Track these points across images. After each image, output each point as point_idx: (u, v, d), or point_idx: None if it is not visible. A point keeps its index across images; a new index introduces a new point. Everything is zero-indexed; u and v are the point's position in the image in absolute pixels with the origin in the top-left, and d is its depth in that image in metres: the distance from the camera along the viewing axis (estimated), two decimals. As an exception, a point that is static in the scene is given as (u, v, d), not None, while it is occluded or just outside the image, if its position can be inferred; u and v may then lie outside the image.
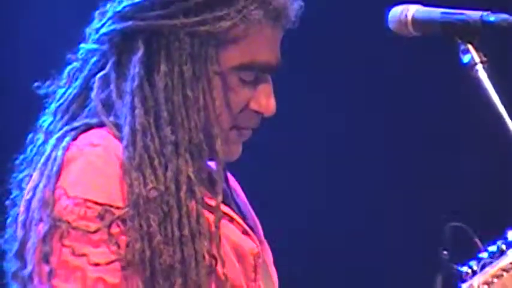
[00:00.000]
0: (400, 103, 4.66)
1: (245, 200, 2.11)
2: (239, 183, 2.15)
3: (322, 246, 4.93)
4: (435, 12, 1.86)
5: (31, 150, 1.85)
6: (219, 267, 1.78)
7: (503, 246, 1.94)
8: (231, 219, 1.84)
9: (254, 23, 1.80)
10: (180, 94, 1.78)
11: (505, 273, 1.95)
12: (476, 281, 1.94)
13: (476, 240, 2.01)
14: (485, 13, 1.81)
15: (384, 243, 4.84)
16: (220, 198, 1.81)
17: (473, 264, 1.94)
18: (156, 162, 1.75)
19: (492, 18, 1.79)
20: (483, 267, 1.96)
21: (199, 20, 1.77)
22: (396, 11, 1.87)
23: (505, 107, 1.81)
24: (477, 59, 1.77)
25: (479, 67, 1.76)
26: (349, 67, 4.55)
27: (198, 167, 1.79)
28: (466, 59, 1.78)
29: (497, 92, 1.82)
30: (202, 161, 1.81)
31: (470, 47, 1.78)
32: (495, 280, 1.95)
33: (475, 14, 1.81)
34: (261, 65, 1.81)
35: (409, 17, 1.86)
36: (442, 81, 4.17)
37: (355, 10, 4.66)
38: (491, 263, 1.94)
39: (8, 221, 1.84)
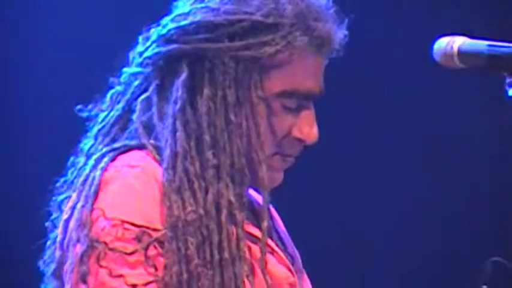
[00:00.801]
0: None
1: (284, 228, 2.07)
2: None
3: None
4: (481, 44, 1.81)
5: (72, 173, 1.86)
6: None
7: None
8: (272, 251, 1.83)
9: (298, 49, 1.79)
10: (222, 118, 1.77)
11: None
12: None
13: None
14: None
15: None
16: (265, 233, 1.80)
17: None
18: (195, 185, 1.74)
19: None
20: None
21: (244, 44, 1.76)
22: (442, 43, 1.83)
23: None
24: None
25: None
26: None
27: (240, 192, 1.77)
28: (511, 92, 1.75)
29: None
30: (243, 186, 1.80)
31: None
32: None
33: None
34: (304, 92, 1.81)
35: (455, 49, 1.81)
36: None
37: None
38: None
39: (48, 243, 1.85)
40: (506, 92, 1.74)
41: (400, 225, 4.72)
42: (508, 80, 1.73)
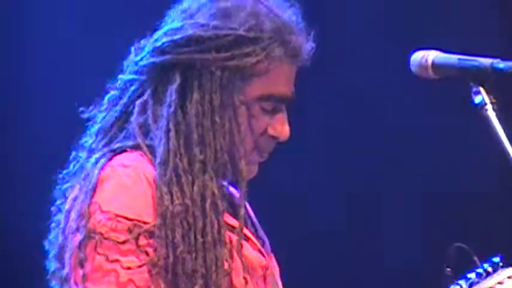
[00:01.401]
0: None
1: (252, 214, 2.28)
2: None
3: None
4: (452, 58, 2.04)
5: (74, 166, 2.06)
6: (234, 278, 1.98)
7: (490, 269, 2.20)
8: (247, 238, 2.05)
9: (275, 59, 2.00)
10: (209, 119, 1.97)
11: None
12: None
13: (476, 259, 2.24)
14: (495, 60, 1.97)
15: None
16: (242, 221, 2.02)
17: (463, 282, 2.17)
18: (183, 179, 1.94)
19: (501, 65, 1.96)
20: (471, 285, 2.19)
21: (229, 55, 1.97)
22: (417, 56, 2.06)
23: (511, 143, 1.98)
24: (487, 100, 1.92)
25: (489, 107, 1.91)
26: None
27: (222, 184, 2.00)
28: (477, 99, 1.94)
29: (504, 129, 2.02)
30: (225, 179, 2.02)
31: (481, 89, 1.94)
32: None
33: (486, 61, 1.98)
34: (278, 96, 2.02)
35: (429, 62, 2.04)
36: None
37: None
38: (478, 282, 2.18)
39: (52, 225, 2.05)
40: (472, 100, 1.95)
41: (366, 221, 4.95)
42: (474, 89, 1.94)
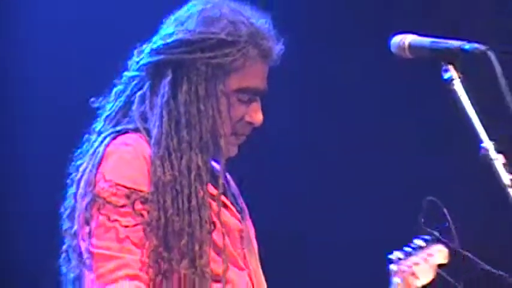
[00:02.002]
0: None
1: (236, 188, 2.64)
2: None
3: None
4: (426, 40, 2.32)
5: (86, 146, 2.41)
6: (216, 236, 2.33)
7: (423, 244, 2.78)
8: (225, 206, 2.41)
9: (250, 59, 2.36)
10: (195, 107, 2.32)
11: (422, 262, 2.74)
12: (403, 265, 2.69)
13: (445, 211, 2.65)
14: (463, 42, 2.24)
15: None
16: (220, 189, 2.38)
17: (400, 254, 2.71)
18: (173, 156, 2.29)
19: (467, 46, 2.21)
20: (407, 255, 2.73)
21: (212, 55, 2.32)
22: (396, 39, 2.35)
23: (476, 113, 2.20)
24: (455, 76, 2.18)
25: (456, 82, 2.18)
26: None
27: (205, 159, 2.33)
28: (446, 76, 2.20)
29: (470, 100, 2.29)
30: (208, 155, 2.35)
31: (450, 67, 2.21)
32: (414, 266, 2.72)
33: (456, 43, 2.24)
34: (253, 89, 2.38)
35: (406, 44, 2.33)
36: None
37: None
38: (413, 254, 2.72)
39: (67, 194, 2.39)
40: (442, 76, 2.21)
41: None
42: (444, 67, 2.21)
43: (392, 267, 2.79)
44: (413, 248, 2.82)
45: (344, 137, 5.31)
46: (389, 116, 4.73)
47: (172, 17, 2.47)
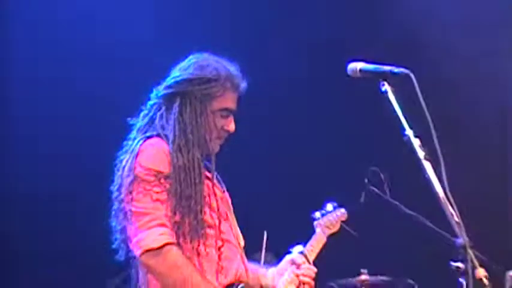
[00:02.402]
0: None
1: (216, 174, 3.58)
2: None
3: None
4: (370, 66, 3.10)
5: (125, 148, 3.43)
6: (212, 201, 3.36)
7: (331, 207, 4.06)
8: (214, 185, 3.45)
9: (226, 90, 3.44)
10: (194, 120, 3.37)
11: (332, 219, 3.99)
12: (321, 220, 3.95)
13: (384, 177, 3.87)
14: (393, 67, 3.00)
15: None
16: (213, 173, 3.45)
17: (318, 214, 3.98)
18: (183, 151, 3.31)
19: (396, 70, 2.97)
20: (323, 215, 4.00)
21: (203, 88, 3.39)
22: (352, 65, 3.15)
23: (405, 117, 2.91)
24: (388, 89, 2.94)
25: (390, 93, 2.93)
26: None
27: (201, 154, 3.36)
28: (383, 89, 2.97)
29: (400, 106, 2.94)
30: (203, 151, 3.39)
31: (385, 83, 2.97)
32: (327, 222, 3.97)
33: (388, 68, 3.00)
34: (228, 109, 3.46)
35: (358, 68, 3.13)
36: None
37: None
38: (327, 213, 4.01)
39: (115, 177, 3.40)
40: (380, 89, 2.96)
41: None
42: (382, 83, 2.95)
43: (315, 222, 3.96)
44: (326, 211, 4.06)
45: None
46: (343, 112, 5.70)
47: (177, 66, 3.50)
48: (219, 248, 3.33)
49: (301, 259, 3.60)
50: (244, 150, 4.98)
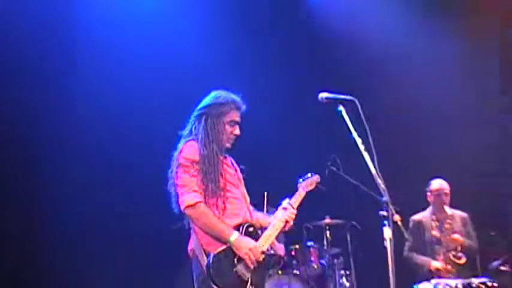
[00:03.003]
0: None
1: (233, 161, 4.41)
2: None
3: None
4: (331, 95, 4.12)
5: (176, 148, 4.35)
6: (226, 175, 4.32)
7: (309, 175, 4.88)
8: (227, 166, 4.42)
9: (233, 109, 4.43)
10: (214, 129, 4.40)
11: (311, 181, 4.87)
12: (303, 182, 4.88)
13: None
14: (346, 96, 4.04)
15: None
16: (228, 161, 4.42)
17: (302, 178, 4.88)
18: (207, 146, 4.32)
19: (349, 97, 3.99)
20: (305, 179, 4.91)
21: (218, 109, 4.43)
22: (321, 94, 4.14)
23: (357, 132, 3.91)
24: (343, 109, 4.02)
25: (343, 112, 4.01)
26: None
27: (218, 149, 4.36)
28: (339, 109, 4.05)
29: (352, 123, 4.02)
30: (220, 148, 4.36)
31: (341, 106, 4.05)
32: (308, 184, 4.87)
33: (342, 96, 4.02)
34: (235, 121, 4.41)
35: (324, 96, 4.14)
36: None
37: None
38: (306, 178, 4.90)
39: (171, 162, 4.36)
40: (337, 109, 4.08)
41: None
42: (338, 106, 4.07)
43: (298, 184, 4.79)
44: (307, 177, 4.88)
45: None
46: (316, 124, 6.80)
47: (204, 100, 4.49)
48: (226, 202, 4.40)
49: (288, 206, 4.61)
50: (252, 145, 5.65)
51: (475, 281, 6.05)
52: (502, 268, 6.60)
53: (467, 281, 6.08)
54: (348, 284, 7.07)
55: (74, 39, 7.20)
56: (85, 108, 7.26)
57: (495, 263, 6.75)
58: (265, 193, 4.92)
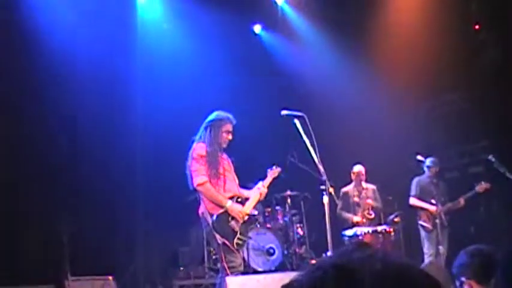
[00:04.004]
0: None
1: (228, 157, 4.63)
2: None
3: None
4: (289, 112, 4.55)
5: (190, 147, 4.52)
6: (223, 165, 4.54)
7: (275, 168, 4.91)
8: (223, 160, 4.57)
9: (227, 122, 4.60)
10: (216, 136, 4.54)
11: (275, 171, 4.92)
12: (271, 171, 4.93)
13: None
14: (299, 113, 4.49)
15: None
16: (225, 158, 4.57)
17: (269, 169, 4.91)
18: (211, 146, 4.49)
19: (299, 114, 4.49)
20: (271, 168, 4.92)
21: (218, 122, 4.57)
22: (283, 111, 4.56)
23: (305, 136, 4.39)
24: (297, 122, 4.44)
25: (298, 124, 4.43)
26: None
27: (218, 148, 4.52)
28: (294, 121, 4.47)
29: (306, 133, 4.43)
30: (218, 148, 4.52)
31: (295, 119, 4.49)
32: (273, 173, 4.91)
33: (296, 112, 4.47)
34: (229, 130, 4.60)
35: (284, 113, 4.56)
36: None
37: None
38: (272, 168, 4.94)
39: (187, 158, 4.54)
40: (293, 121, 4.54)
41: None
42: (294, 119, 4.53)
43: (268, 171, 4.86)
44: (273, 168, 4.95)
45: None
46: (280, 132, 6.34)
47: (209, 117, 4.55)
48: (223, 182, 4.46)
49: (261, 186, 4.75)
50: (239, 145, 5.05)
51: (379, 228, 6.35)
52: (395, 219, 6.85)
53: (374, 228, 6.36)
54: (301, 232, 7.42)
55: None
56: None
57: (391, 217, 7.01)
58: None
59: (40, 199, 5.99)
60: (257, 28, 8.85)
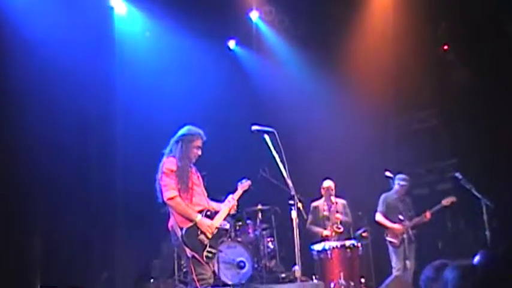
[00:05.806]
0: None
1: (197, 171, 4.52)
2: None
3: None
4: (260, 127, 4.48)
5: (160, 161, 4.46)
6: (193, 179, 4.44)
7: (245, 181, 4.84)
8: (192, 174, 4.46)
9: (197, 138, 4.50)
10: (186, 150, 4.43)
11: (245, 184, 4.89)
12: (241, 184, 4.89)
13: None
14: (268, 128, 4.48)
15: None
16: (194, 170, 4.48)
17: (240, 182, 4.83)
18: (181, 161, 4.38)
19: (269, 129, 4.42)
20: (241, 182, 4.88)
21: (189, 137, 4.47)
22: (253, 127, 4.49)
23: (275, 151, 4.34)
24: (267, 137, 4.42)
25: (268, 138, 4.41)
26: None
27: (188, 162, 4.43)
28: (265, 138, 4.43)
29: (275, 148, 4.40)
30: (189, 163, 4.43)
31: (265, 135, 4.47)
32: (243, 185, 4.87)
33: (267, 128, 4.46)
34: (199, 146, 4.51)
35: (254, 128, 4.47)
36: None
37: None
38: (242, 180, 4.88)
39: (157, 174, 4.38)
40: (262, 137, 4.49)
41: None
42: (263, 135, 4.49)
43: (238, 184, 4.81)
44: (243, 182, 4.89)
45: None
46: (250, 147, 6.32)
47: (180, 131, 4.48)
48: (192, 196, 4.40)
49: (231, 199, 4.70)
50: (209, 159, 4.95)
51: (347, 242, 6.34)
52: (363, 234, 6.89)
53: (342, 242, 6.35)
54: (272, 246, 7.41)
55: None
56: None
57: (359, 231, 7.03)
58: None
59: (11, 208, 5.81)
60: (231, 43, 8.93)
